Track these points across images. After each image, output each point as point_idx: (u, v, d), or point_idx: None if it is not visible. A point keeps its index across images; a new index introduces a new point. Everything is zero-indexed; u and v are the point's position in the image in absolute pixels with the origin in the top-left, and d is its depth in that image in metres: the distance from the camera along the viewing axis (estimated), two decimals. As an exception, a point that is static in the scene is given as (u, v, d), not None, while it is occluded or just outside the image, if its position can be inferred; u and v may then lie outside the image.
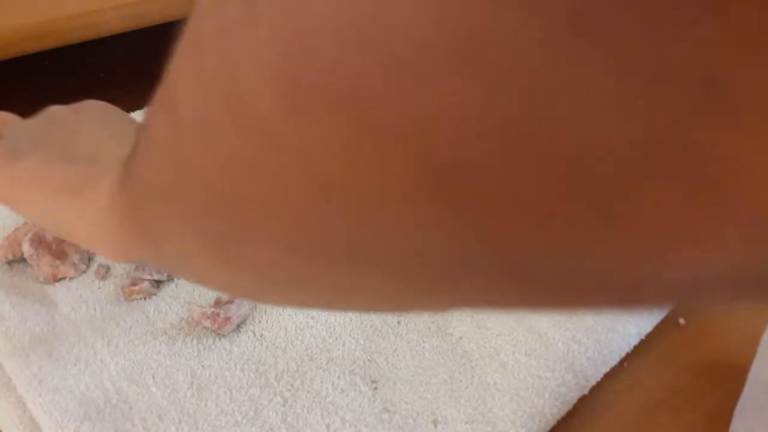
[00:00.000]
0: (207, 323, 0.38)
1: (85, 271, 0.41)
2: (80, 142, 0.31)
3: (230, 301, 0.38)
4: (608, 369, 0.40)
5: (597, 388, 0.39)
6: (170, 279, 0.41)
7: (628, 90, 0.08)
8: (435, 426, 0.36)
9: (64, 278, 0.41)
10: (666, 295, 0.12)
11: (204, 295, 0.40)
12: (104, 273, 0.41)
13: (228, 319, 0.38)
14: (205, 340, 0.38)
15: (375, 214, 0.12)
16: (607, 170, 0.09)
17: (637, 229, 0.10)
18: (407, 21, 0.09)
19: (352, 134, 0.11)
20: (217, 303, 0.39)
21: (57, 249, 0.41)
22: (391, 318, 0.41)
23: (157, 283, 0.41)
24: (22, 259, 0.41)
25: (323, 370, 0.38)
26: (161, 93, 0.17)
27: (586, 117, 0.09)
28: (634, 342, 0.42)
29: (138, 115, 0.52)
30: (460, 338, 0.40)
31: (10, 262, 0.41)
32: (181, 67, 0.16)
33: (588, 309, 0.14)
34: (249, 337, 0.38)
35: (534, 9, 0.08)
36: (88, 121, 0.33)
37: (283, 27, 0.11)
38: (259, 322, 0.39)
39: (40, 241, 0.40)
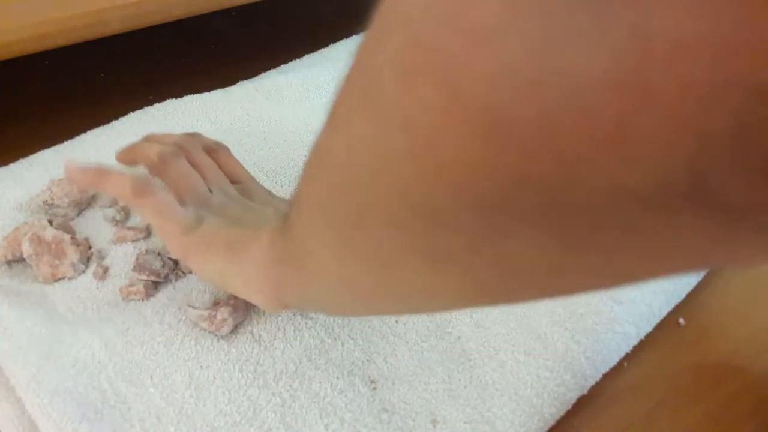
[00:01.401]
0: (204, 325, 0.38)
1: (83, 272, 0.41)
2: (248, 214, 0.37)
3: (227, 303, 0.38)
4: (607, 369, 0.40)
5: (596, 388, 0.39)
6: (167, 280, 0.41)
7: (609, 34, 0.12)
8: (434, 426, 0.36)
9: (63, 278, 0.41)
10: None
11: (201, 297, 0.40)
12: (102, 273, 0.41)
13: (225, 320, 0.38)
14: (203, 341, 0.38)
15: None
16: (598, 92, 0.12)
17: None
18: (485, 6, 0.13)
19: (440, 94, 0.15)
20: (215, 305, 0.39)
21: (56, 249, 0.41)
22: (390, 318, 0.41)
23: (155, 285, 0.41)
24: (22, 259, 0.41)
25: (322, 371, 0.38)
26: (329, 107, 0.21)
27: (584, 62, 0.12)
28: (634, 342, 0.42)
29: (137, 116, 0.52)
30: (459, 338, 0.40)
31: (9, 262, 0.41)
32: (341, 83, 0.20)
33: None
34: (247, 338, 0.38)
35: None
36: (256, 203, 0.39)
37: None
38: (257, 323, 0.39)
39: (39, 241, 0.40)
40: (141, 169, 0.43)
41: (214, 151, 0.43)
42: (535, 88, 0.13)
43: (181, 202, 0.37)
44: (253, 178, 0.43)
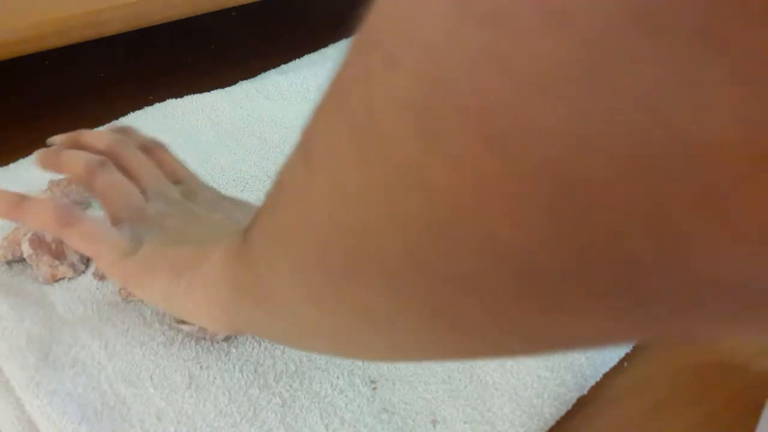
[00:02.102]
0: (199, 335, 0.38)
1: (83, 272, 0.41)
2: (192, 226, 0.34)
3: None
4: (608, 369, 0.40)
5: (596, 388, 0.39)
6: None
7: (745, 93, 0.09)
8: (434, 426, 0.36)
9: (63, 278, 0.41)
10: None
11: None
12: (102, 274, 0.41)
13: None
14: (203, 342, 0.38)
15: (499, 234, 0.13)
16: (723, 165, 0.10)
17: (750, 221, 0.10)
18: (542, 47, 0.10)
19: (479, 151, 0.12)
20: None
21: (56, 249, 0.41)
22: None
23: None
24: (22, 259, 0.41)
25: (322, 371, 0.38)
26: (300, 140, 0.19)
27: (705, 122, 0.09)
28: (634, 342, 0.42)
29: (137, 116, 0.52)
30: (460, 338, 0.40)
31: (9, 262, 0.41)
32: (319, 111, 0.17)
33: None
34: (247, 338, 0.38)
35: (652, 28, 0.09)
36: (201, 207, 0.36)
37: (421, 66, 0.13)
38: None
39: (39, 242, 0.40)
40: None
41: (150, 149, 0.39)
42: (639, 151, 0.10)
43: (115, 219, 0.34)
44: (196, 177, 0.40)
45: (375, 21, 0.14)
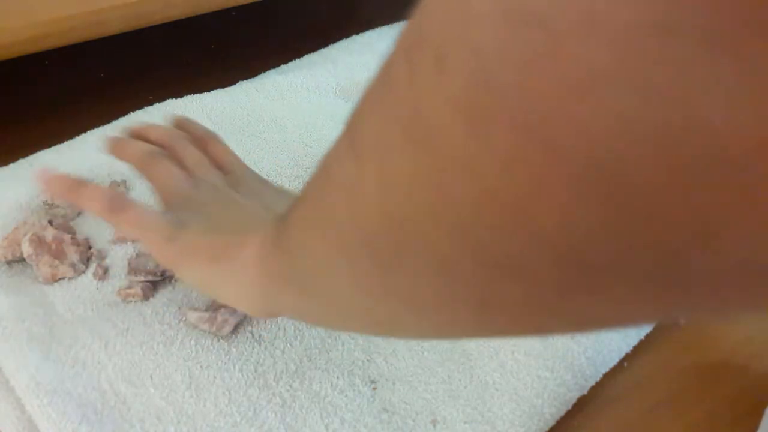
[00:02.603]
0: (205, 327, 0.38)
1: (84, 272, 0.41)
2: (232, 213, 0.35)
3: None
4: (608, 369, 0.40)
5: (596, 388, 0.39)
6: (165, 278, 0.41)
7: (755, 89, 0.10)
8: (434, 426, 0.36)
9: (63, 278, 0.41)
10: None
11: (200, 299, 0.40)
12: (102, 273, 0.41)
13: (226, 320, 0.38)
14: (203, 341, 0.38)
15: (534, 218, 0.13)
16: (746, 149, 0.10)
17: None
18: (579, 48, 0.11)
19: (529, 150, 0.13)
20: (214, 307, 0.39)
21: (56, 249, 0.41)
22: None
23: (153, 285, 0.41)
24: (22, 259, 0.41)
25: (322, 371, 0.38)
26: (345, 131, 0.19)
27: (726, 116, 0.10)
28: (634, 342, 0.42)
29: (137, 116, 0.52)
30: (459, 338, 0.40)
31: (9, 262, 0.41)
32: (366, 105, 0.18)
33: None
34: (247, 338, 0.38)
35: (671, 32, 0.10)
36: (244, 196, 0.38)
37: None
38: (258, 322, 0.39)
39: (39, 242, 0.40)
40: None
41: (203, 140, 0.42)
42: (666, 143, 0.11)
43: (164, 205, 0.36)
44: (245, 167, 0.42)
45: (423, 22, 0.15)
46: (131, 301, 0.40)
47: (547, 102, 0.12)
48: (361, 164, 0.18)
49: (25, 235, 0.41)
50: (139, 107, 0.53)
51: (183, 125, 0.43)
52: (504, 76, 0.12)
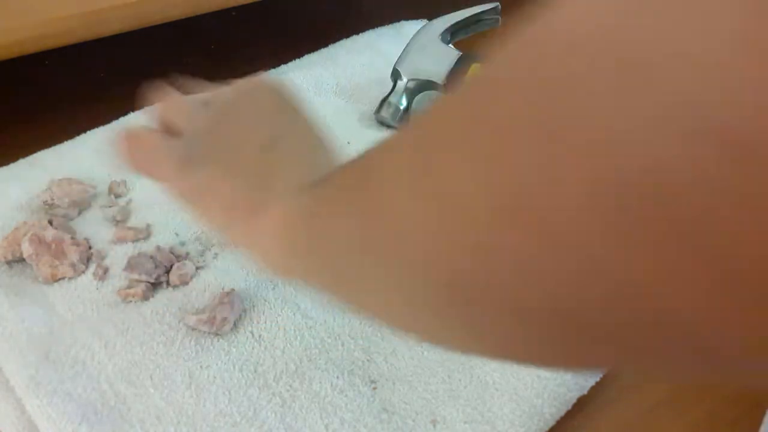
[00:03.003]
0: (205, 328, 0.38)
1: (84, 272, 0.41)
2: (246, 162, 0.32)
3: (223, 302, 0.38)
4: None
5: (596, 388, 0.39)
6: (161, 282, 0.41)
7: None
8: (434, 426, 0.36)
9: (63, 278, 0.41)
10: None
11: (199, 298, 0.40)
12: (102, 273, 0.41)
13: (225, 319, 0.38)
14: (202, 341, 0.38)
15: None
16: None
17: None
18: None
19: (669, 247, 0.12)
20: (211, 306, 0.39)
21: (56, 249, 0.41)
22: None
23: (153, 286, 0.41)
24: (22, 259, 0.41)
25: (322, 371, 0.38)
26: (413, 143, 0.18)
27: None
28: (634, 342, 0.42)
29: (137, 116, 0.52)
30: (460, 338, 0.40)
31: (9, 262, 0.41)
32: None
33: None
34: (247, 338, 0.38)
35: None
36: (277, 136, 0.34)
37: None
38: (257, 322, 0.39)
39: (39, 242, 0.40)
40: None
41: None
42: None
43: (174, 133, 0.34)
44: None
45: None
46: (131, 301, 0.40)
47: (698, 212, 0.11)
48: (433, 197, 0.17)
49: (25, 235, 0.41)
50: (139, 107, 0.53)
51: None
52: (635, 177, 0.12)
